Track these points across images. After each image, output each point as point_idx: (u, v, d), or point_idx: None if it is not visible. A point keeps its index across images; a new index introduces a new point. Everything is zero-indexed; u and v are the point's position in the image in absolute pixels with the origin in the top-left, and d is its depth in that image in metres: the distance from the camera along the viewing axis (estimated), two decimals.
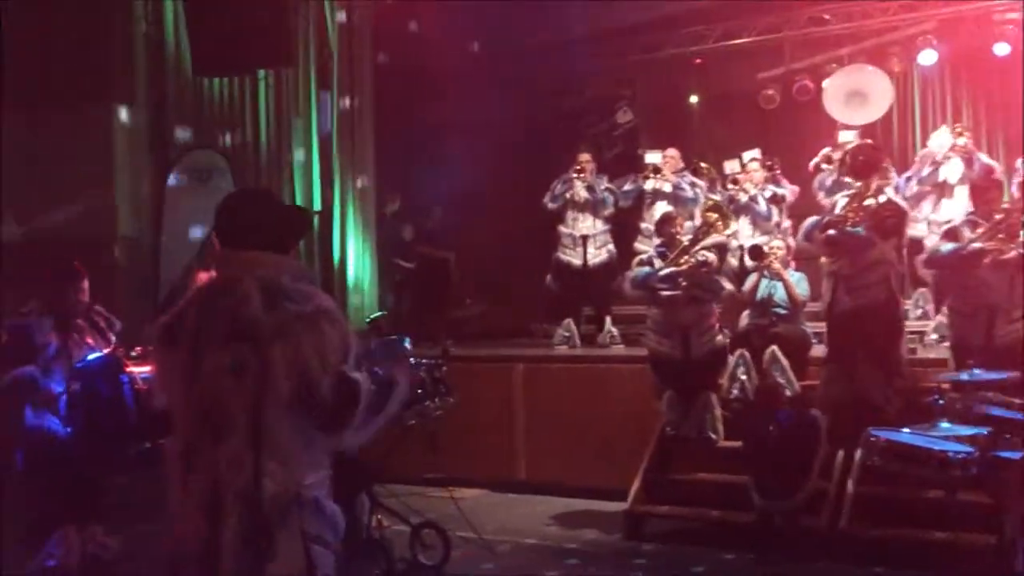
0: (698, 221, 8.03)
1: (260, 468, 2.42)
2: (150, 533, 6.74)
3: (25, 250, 10.80)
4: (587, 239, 8.91)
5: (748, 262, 7.95)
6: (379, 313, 9.19)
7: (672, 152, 9.24)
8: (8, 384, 5.67)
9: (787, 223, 8.68)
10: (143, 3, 10.83)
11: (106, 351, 5.83)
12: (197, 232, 10.78)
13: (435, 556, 5.84)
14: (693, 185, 8.90)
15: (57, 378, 5.66)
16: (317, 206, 10.57)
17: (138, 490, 7.42)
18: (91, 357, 5.73)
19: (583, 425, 7.80)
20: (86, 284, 5.88)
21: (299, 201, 10.68)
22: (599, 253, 8.92)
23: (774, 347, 7.09)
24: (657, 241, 7.54)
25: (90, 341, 5.86)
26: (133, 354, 5.78)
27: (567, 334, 8.99)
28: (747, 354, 7.12)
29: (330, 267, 10.43)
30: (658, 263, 7.01)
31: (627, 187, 9.14)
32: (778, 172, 8.83)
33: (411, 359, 5.86)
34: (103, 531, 6.00)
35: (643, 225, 9.03)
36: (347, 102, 10.08)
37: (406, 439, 5.81)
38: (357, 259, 10.36)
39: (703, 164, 9.33)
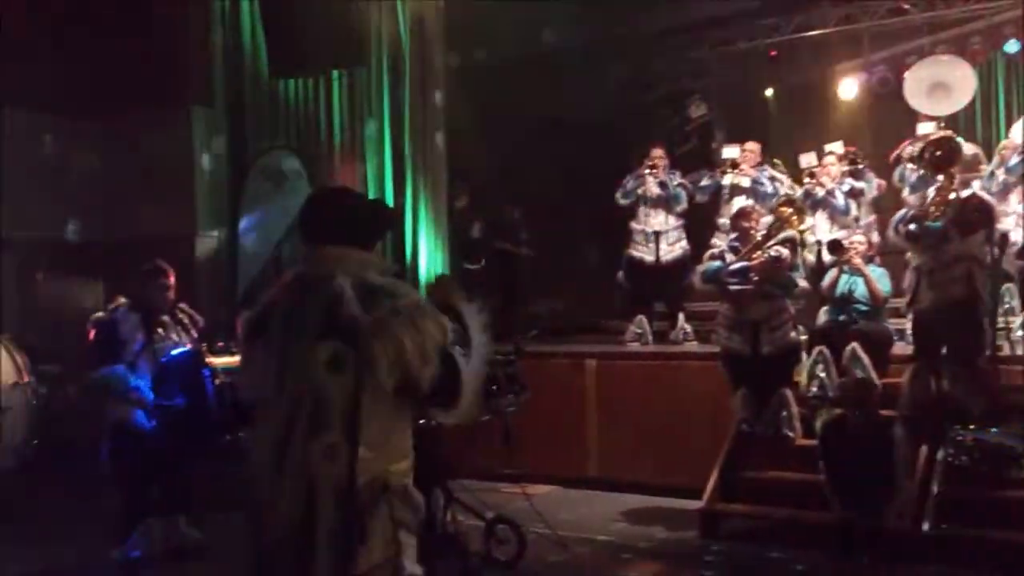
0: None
1: (354, 458, 2.48)
2: (232, 524, 6.95)
3: (109, 249, 11.18)
4: (659, 235, 8.83)
5: (826, 257, 7.79)
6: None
7: (751, 146, 9.11)
8: (96, 380, 5.86)
9: (869, 218, 8.50)
10: (220, 7, 11.06)
11: (189, 346, 5.98)
12: (273, 232, 11.01)
13: (509, 552, 5.84)
14: (772, 180, 8.74)
15: (143, 373, 5.82)
16: (390, 203, 10.69)
17: (220, 481, 7.64)
18: (175, 352, 5.88)
19: (655, 422, 7.74)
20: (171, 282, 6.05)
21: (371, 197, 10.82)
22: (672, 249, 8.84)
23: (854, 344, 6.93)
24: (733, 236, 7.45)
25: (174, 337, 6.02)
26: (215, 349, 5.89)
27: (639, 331, 8.93)
28: (826, 351, 6.97)
29: (403, 264, 10.53)
30: (730, 257, 6.94)
31: (704, 182, 9.04)
32: (863, 166, 8.65)
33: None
34: (186, 522, 6.16)
35: (720, 221, 8.90)
36: (419, 100, 10.14)
37: (480, 435, 5.84)
38: (429, 257, 10.44)
39: (775, 160, 9.18)
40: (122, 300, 6.03)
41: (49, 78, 10.61)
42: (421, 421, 5.40)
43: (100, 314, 6.09)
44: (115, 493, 6.06)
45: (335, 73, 10.87)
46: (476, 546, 5.81)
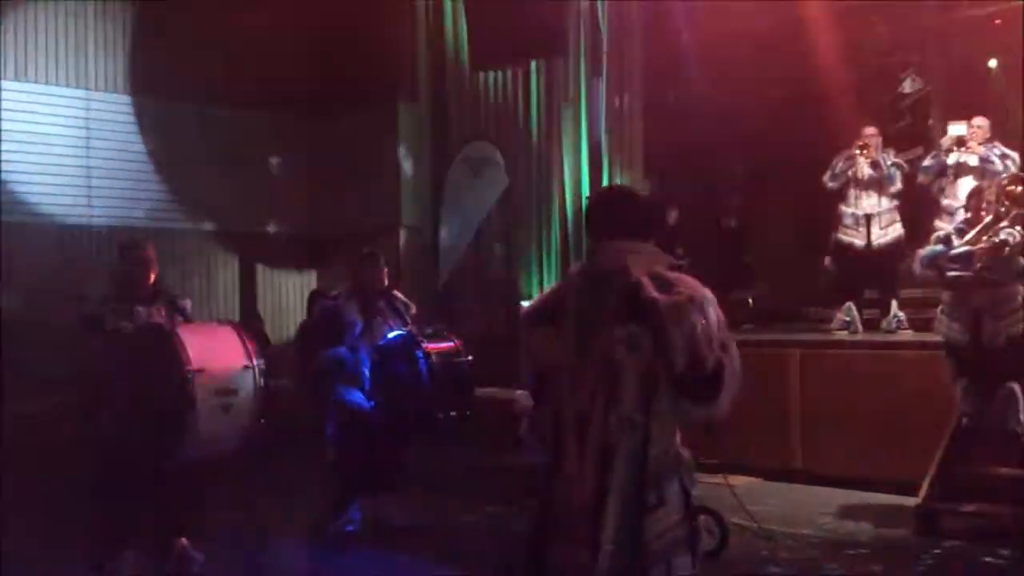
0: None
1: (649, 431, 2.68)
2: (437, 502, 7.23)
3: (320, 241, 11.82)
4: (871, 218, 8.43)
5: None
6: None
7: (980, 122, 8.40)
8: (322, 362, 6.24)
9: None
10: (424, 4, 11.44)
11: (404, 331, 6.25)
12: (472, 222, 11.30)
13: (711, 543, 5.76)
14: (1004, 157, 8.03)
15: (362, 355, 6.15)
16: (586, 192, 10.74)
17: (431, 462, 7.95)
18: (391, 336, 6.18)
19: (866, 414, 7.44)
20: (384, 269, 6.36)
21: (568, 189, 10.91)
22: (885, 233, 8.42)
23: None
24: (960, 218, 7.01)
25: (390, 322, 6.32)
26: (426, 334, 6.14)
27: (847, 319, 8.57)
28: None
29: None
30: (956, 241, 6.53)
31: (927, 162, 8.50)
32: None
33: None
34: (396, 500, 6.46)
35: (945, 202, 8.34)
36: (616, 89, 10.13)
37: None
38: None
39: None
40: (342, 287, 6.37)
41: (259, 77, 11.33)
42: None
43: (324, 301, 6.46)
44: (334, 471, 6.42)
45: (533, 64, 11.01)
46: None
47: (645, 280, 2.78)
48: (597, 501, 2.68)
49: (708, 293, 2.83)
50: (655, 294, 2.74)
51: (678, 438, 2.87)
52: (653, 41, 10.34)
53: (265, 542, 6.35)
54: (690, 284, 2.84)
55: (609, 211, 3.04)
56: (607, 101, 10.25)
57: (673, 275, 2.88)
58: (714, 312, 2.78)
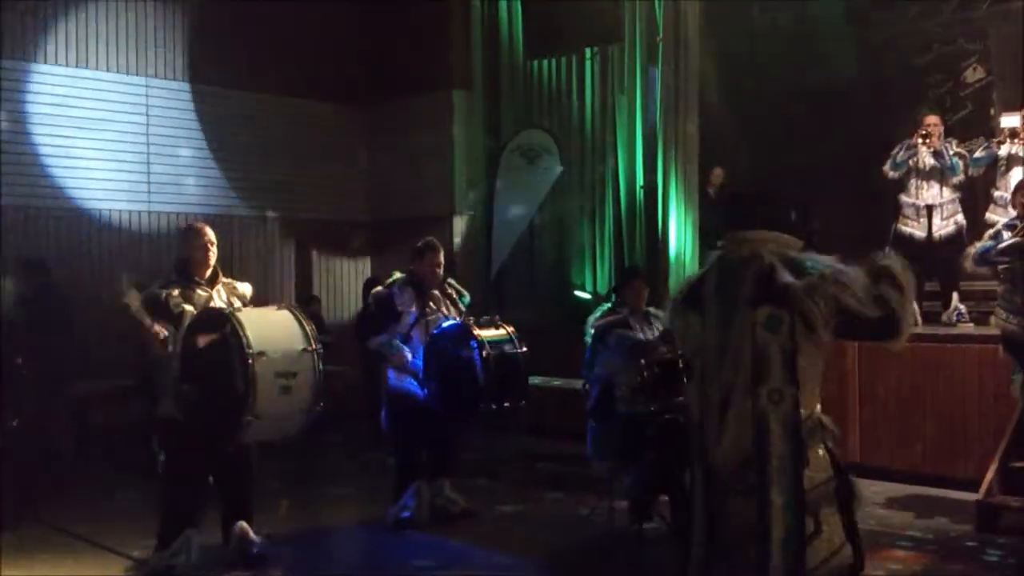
0: None
1: (796, 400, 3.04)
2: (491, 489, 7.26)
3: (375, 229, 11.91)
4: (932, 209, 8.27)
5: None
6: None
7: None
8: (374, 348, 6.28)
9: None
10: None
11: (457, 319, 6.26)
12: (526, 210, 11.29)
13: None
14: None
15: (416, 343, 6.17)
16: (640, 180, 10.67)
17: (483, 449, 7.98)
18: (445, 324, 6.19)
19: (925, 408, 7.32)
20: (441, 258, 6.36)
21: (622, 178, 10.86)
22: (946, 224, 8.26)
23: None
24: (1012, 212, 6.86)
25: (444, 310, 6.33)
26: (480, 323, 6.13)
27: None
28: None
29: (653, 242, 10.49)
30: (1006, 235, 6.40)
31: (979, 154, 8.34)
32: None
33: None
34: (451, 486, 6.49)
35: (996, 194, 8.19)
36: (672, 77, 10.03)
37: None
38: (679, 235, 10.33)
39: None
40: (397, 275, 6.38)
41: (315, 65, 11.43)
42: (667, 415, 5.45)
43: (379, 288, 6.48)
44: (389, 457, 6.47)
45: (588, 52, 10.96)
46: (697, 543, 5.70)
47: (778, 264, 3.10)
48: (756, 465, 3.02)
49: (839, 264, 3.12)
50: (789, 278, 3.06)
51: (819, 406, 3.18)
52: (708, 27, 10.22)
53: (322, 526, 6.44)
54: (820, 260, 3.13)
55: (745, 207, 3.43)
56: (662, 90, 10.16)
57: (804, 255, 3.19)
58: (852, 276, 3.07)
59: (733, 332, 3.14)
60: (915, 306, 8.24)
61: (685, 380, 4.98)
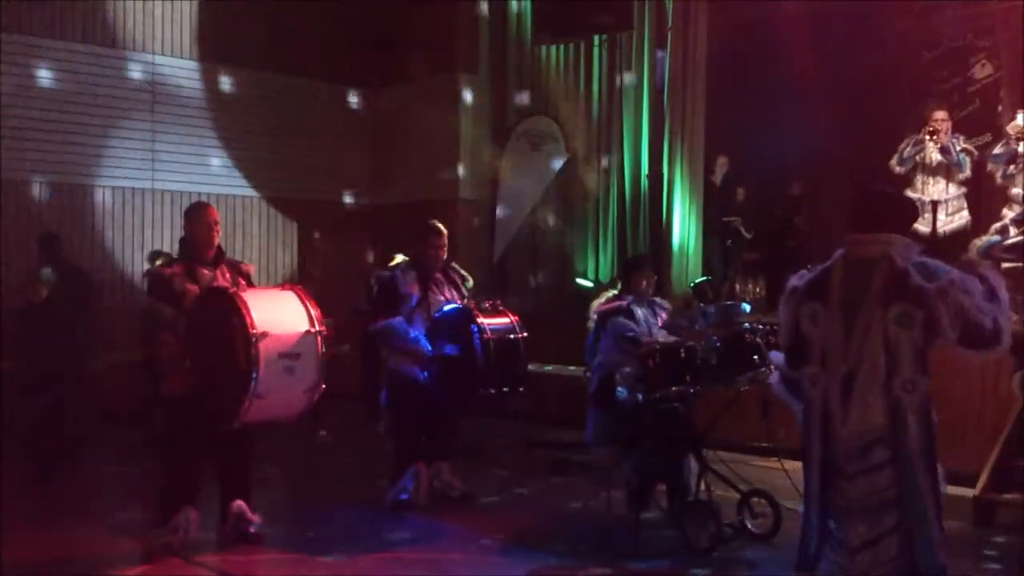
0: None
1: (927, 389, 3.43)
2: (489, 473, 7.28)
3: (378, 212, 11.89)
4: (938, 205, 8.28)
5: None
6: (704, 278, 9.13)
7: None
8: (376, 331, 6.28)
9: None
10: None
11: (460, 304, 6.26)
12: (530, 196, 11.29)
13: (764, 526, 5.73)
14: None
15: (418, 326, 6.17)
16: (645, 169, 10.66)
17: (482, 433, 8.00)
18: (447, 308, 6.18)
19: None
20: (444, 241, 6.36)
21: (627, 164, 10.83)
22: (951, 220, 8.27)
23: None
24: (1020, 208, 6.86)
25: (447, 294, 6.33)
26: (482, 308, 6.12)
27: None
28: None
29: (657, 231, 10.49)
30: (1012, 231, 6.39)
31: (998, 150, 8.27)
32: None
33: (746, 324, 5.80)
34: (450, 469, 6.50)
35: (1014, 191, 8.16)
36: (680, 65, 10.01)
37: (736, 405, 5.76)
38: (683, 222, 10.33)
39: None
40: (400, 258, 6.37)
41: (322, 47, 11.39)
42: (674, 388, 5.46)
43: (382, 271, 6.47)
44: (391, 438, 6.48)
45: (596, 39, 10.93)
46: (729, 517, 5.73)
47: (911, 269, 3.38)
48: (892, 446, 3.38)
49: (960, 273, 3.40)
50: (922, 282, 3.34)
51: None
52: (717, 16, 10.18)
53: (320, 507, 6.46)
54: (944, 267, 3.42)
55: (867, 208, 3.66)
56: (670, 77, 10.13)
57: (931, 261, 3.47)
58: (975, 286, 3.36)
59: (859, 325, 3.44)
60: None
61: (695, 369, 5.08)
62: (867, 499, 3.43)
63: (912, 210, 3.96)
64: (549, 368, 8.65)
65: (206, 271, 5.33)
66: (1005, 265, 6.39)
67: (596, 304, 6.24)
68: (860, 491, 3.44)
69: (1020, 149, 8.17)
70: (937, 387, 7.22)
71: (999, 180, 8.24)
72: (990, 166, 8.30)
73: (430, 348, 6.06)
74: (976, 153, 8.38)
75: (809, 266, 3.82)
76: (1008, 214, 7.70)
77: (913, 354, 3.39)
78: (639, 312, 5.97)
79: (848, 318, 3.47)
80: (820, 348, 3.55)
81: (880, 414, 3.41)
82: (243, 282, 5.45)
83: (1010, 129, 8.26)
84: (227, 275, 5.42)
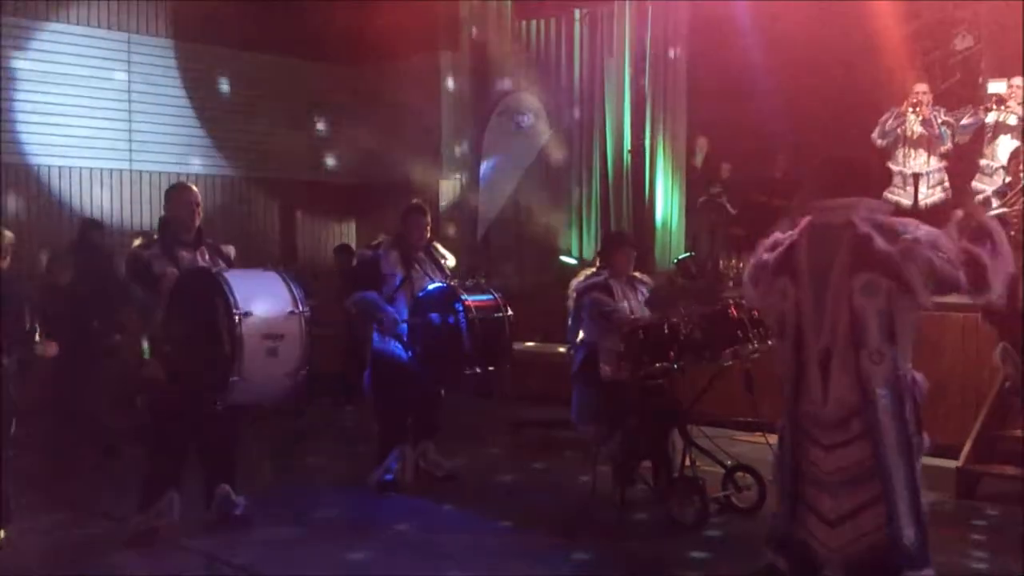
0: None
1: (895, 359, 3.32)
2: (474, 452, 7.29)
3: (360, 191, 11.81)
4: (919, 177, 8.31)
5: None
6: (687, 254, 9.12)
7: (1019, 81, 8.33)
8: (352, 304, 6.23)
9: None
10: None
11: (444, 283, 6.22)
12: (512, 174, 11.23)
13: (749, 499, 5.75)
14: None
15: (400, 306, 6.13)
16: (627, 145, 10.63)
17: (465, 412, 7.98)
18: (431, 287, 6.13)
19: None
20: (428, 220, 6.31)
21: (609, 141, 10.80)
22: (932, 192, 8.31)
23: None
24: (998, 181, 6.88)
25: (430, 273, 6.28)
26: (465, 287, 6.09)
27: None
28: None
29: (640, 207, 10.47)
30: (995, 203, 6.41)
31: (965, 121, 8.36)
32: None
33: (730, 301, 5.79)
34: (435, 449, 6.49)
35: (983, 162, 8.24)
36: (662, 38, 9.96)
37: (720, 380, 5.76)
38: (666, 198, 10.31)
39: None
40: (383, 237, 6.32)
41: (301, 23, 11.25)
42: (657, 365, 5.46)
43: (365, 250, 6.42)
44: (375, 418, 6.46)
45: (576, 13, 10.85)
46: (714, 492, 5.76)
47: (873, 232, 3.25)
48: (864, 416, 3.31)
49: (930, 228, 3.30)
50: (885, 246, 3.22)
51: (910, 363, 3.41)
52: None
53: (305, 488, 6.45)
54: (911, 225, 3.31)
55: (832, 172, 3.53)
56: (651, 52, 10.08)
57: (898, 220, 3.35)
58: (944, 239, 3.24)
59: (829, 298, 3.35)
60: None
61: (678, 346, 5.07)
62: (845, 472, 3.37)
63: (882, 175, 3.76)
64: (532, 345, 8.64)
65: (186, 253, 5.26)
66: None
67: (575, 282, 6.23)
68: (836, 464, 3.38)
69: (988, 120, 8.21)
70: (920, 358, 7.31)
71: (947, 144, 8.27)
72: (958, 137, 8.33)
73: (409, 328, 6.02)
74: (957, 124, 8.39)
75: (779, 232, 3.67)
76: (980, 186, 7.74)
77: (879, 324, 3.29)
78: (617, 288, 5.96)
79: (818, 291, 3.39)
80: (794, 324, 3.47)
81: (851, 387, 3.34)
82: (223, 263, 5.39)
83: (993, 90, 8.32)
84: (207, 257, 5.36)
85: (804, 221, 3.50)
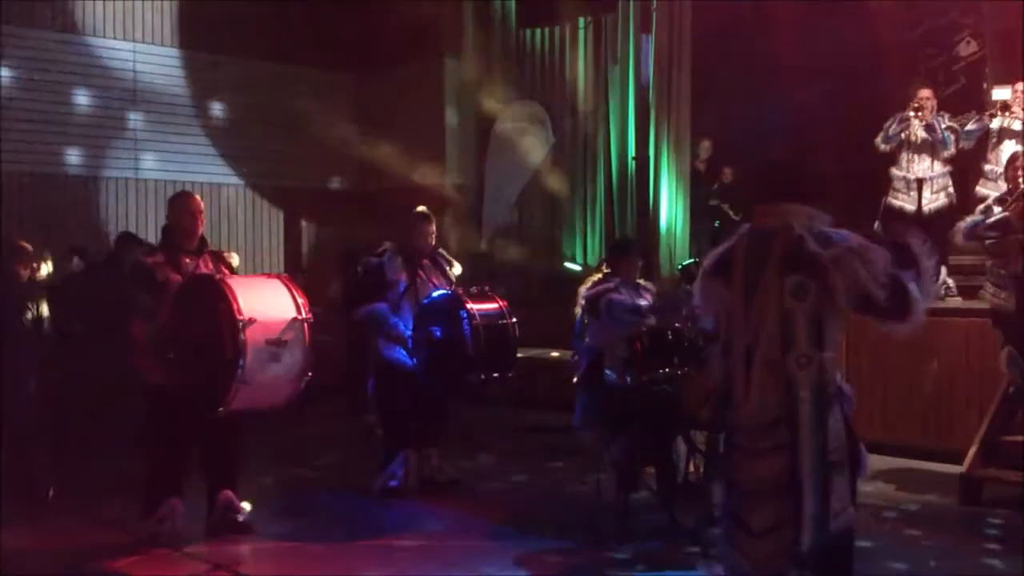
0: None
1: (823, 363, 3.23)
2: (479, 459, 7.28)
3: (364, 198, 11.83)
4: (923, 182, 8.28)
5: None
6: (691, 260, 9.12)
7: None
8: (360, 317, 6.25)
9: None
10: None
11: (448, 290, 6.23)
12: (517, 180, 11.25)
13: None
14: None
15: (405, 313, 6.14)
16: (632, 153, 10.64)
17: (471, 419, 7.99)
18: (435, 294, 6.15)
19: (912, 381, 7.34)
20: (433, 228, 6.32)
21: (613, 148, 10.81)
22: (936, 198, 8.27)
23: None
24: (1003, 186, 6.86)
25: (435, 280, 6.30)
26: (470, 293, 6.10)
27: None
28: None
29: (644, 214, 10.48)
30: (996, 209, 6.39)
31: (970, 126, 8.33)
32: None
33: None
34: (439, 455, 6.49)
35: (987, 167, 8.21)
36: (666, 48, 9.97)
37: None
38: (670, 205, 10.32)
39: None
40: (388, 244, 6.34)
41: (305, 31, 11.29)
42: (661, 370, 5.45)
43: (369, 258, 6.43)
44: (376, 426, 6.46)
45: (581, 21, 10.88)
46: (719, 498, 5.73)
47: (807, 236, 3.24)
48: (786, 425, 3.22)
49: (865, 241, 3.26)
50: (816, 248, 3.20)
51: (839, 374, 3.34)
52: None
53: (309, 495, 6.45)
54: (845, 235, 3.27)
55: (774, 178, 3.51)
56: (655, 60, 10.10)
57: (834, 230, 3.31)
58: (878, 255, 3.20)
59: (758, 298, 3.30)
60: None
61: (681, 351, 5.08)
62: (775, 479, 3.24)
63: (841, 182, 3.73)
64: (537, 352, 8.64)
65: (188, 260, 5.29)
66: (989, 242, 6.37)
67: (583, 289, 6.23)
68: (765, 472, 3.26)
69: (993, 126, 8.21)
70: (926, 364, 7.31)
71: (951, 149, 8.25)
72: (963, 143, 8.31)
73: (409, 332, 6.03)
74: (961, 131, 8.38)
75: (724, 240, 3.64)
76: (985, 191, 7.72)
77: (808, 327, 3.22)
78: (626, 294, 5.96)
79: (749, 291, 3.33)
80: (725, 326, 3.43)
81: (776, 391, 3.25)
82: (227, 271, 5.41)
83: (998, 95, 8.30)
84: (210, 265, 5.38)
85: (744, 227, 3.51)
